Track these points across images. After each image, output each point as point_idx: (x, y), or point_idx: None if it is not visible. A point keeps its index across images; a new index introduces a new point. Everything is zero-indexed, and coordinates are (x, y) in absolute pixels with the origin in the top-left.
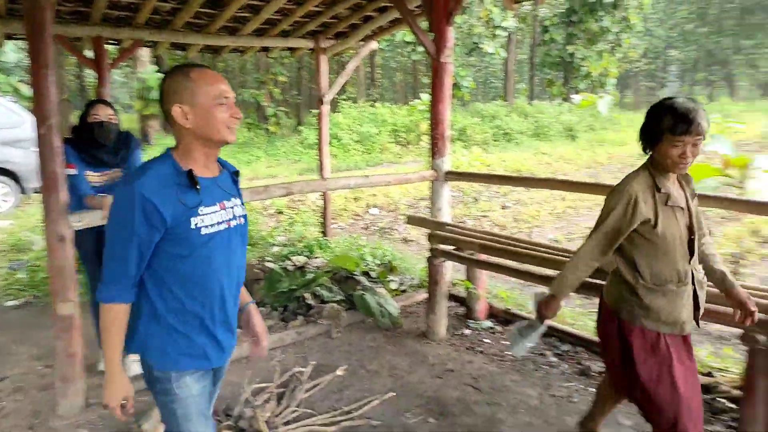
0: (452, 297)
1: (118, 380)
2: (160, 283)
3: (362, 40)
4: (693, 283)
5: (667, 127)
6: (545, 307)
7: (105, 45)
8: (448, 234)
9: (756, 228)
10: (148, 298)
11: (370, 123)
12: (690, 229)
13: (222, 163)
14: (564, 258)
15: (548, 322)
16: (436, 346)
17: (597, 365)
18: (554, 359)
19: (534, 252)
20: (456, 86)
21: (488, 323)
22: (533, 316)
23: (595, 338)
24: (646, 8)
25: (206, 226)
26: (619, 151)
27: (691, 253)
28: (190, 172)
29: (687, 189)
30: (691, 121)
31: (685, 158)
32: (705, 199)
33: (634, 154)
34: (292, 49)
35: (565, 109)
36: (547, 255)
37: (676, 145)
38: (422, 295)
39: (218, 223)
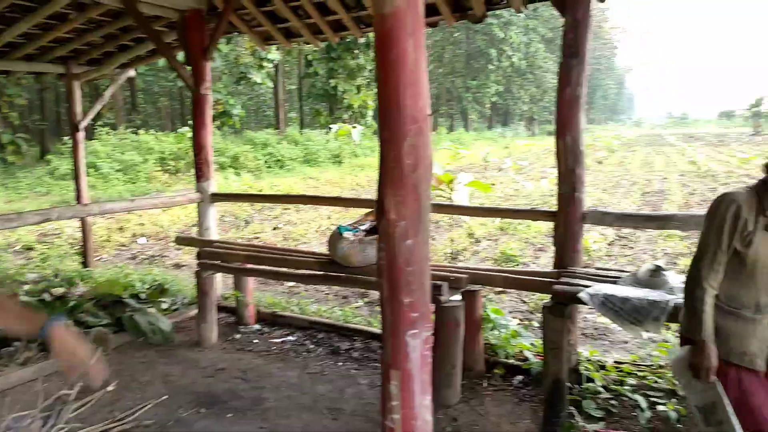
0: (224, 309)
1: None
2: None
3: (119, 67)
4: None
5: None
6: (704, 359)
7: None
8: (215, 249)
9: (471, 231)
10: None
11: (133, 151)
12: None
13: None
14: (314, 259)
15: (717, 383)
16: (209, 352)
17: (344, 345)
18: (312, 346)
19: (291, 257)
20: (226, 114)
21: (257, 326)
22: (683, 380)
23: (342, 323)
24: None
25: None
26: (377, 174)
27: None
28: None
29: None
30: None
31: None
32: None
33: None
34: (38, 73)
35: (331, 137)
36: (301, 258)
37: None
38: (195, 311)
39: None
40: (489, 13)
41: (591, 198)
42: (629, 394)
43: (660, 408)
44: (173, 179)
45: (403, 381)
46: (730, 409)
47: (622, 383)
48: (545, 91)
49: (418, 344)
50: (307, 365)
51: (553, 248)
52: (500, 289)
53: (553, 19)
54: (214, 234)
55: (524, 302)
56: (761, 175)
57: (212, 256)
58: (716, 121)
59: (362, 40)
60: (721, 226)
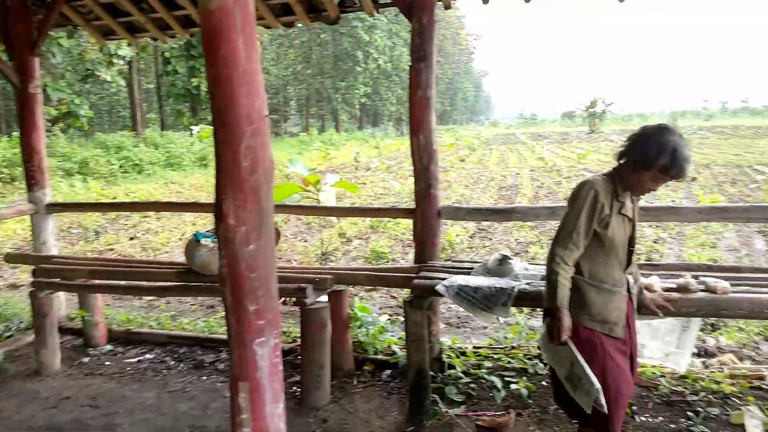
0: (69, 330)
1: None
2: None
3: None
4: (627, 291)
5: (662, 164)
6: (562, 322)
7: None
8: (54, 266)
9: (342, 231)
10: None
11: None
12: (631, 241)
13: None
14: (171, 269)
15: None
16: (51, 380)
17: (209, 357)
18: (173, 362)
19: (145, 269)
20: (72, 115)
21: (108, 347)
22: (547, 353)
23: (206, 334)
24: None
25: None
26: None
27: (628, 263)
28: None
29: (636, 204)
30: (683, 171)
31: (649, 190)
32: (301, 209)
33: None
34: None
35: (195, 140)
36: (156, 269)
37: (657, 181)
38: (33, 336)
39: None
40: (352, 15)
41: (455, 194)
42: (486, 377)
43: (513, 387)
44: (8, 188)
45: (252, 392)
46: (584, 363)
47: (480, 367)
48: None
49: (266, 352)
50: (167, 383)
51: None
52: (370, 287)
53: None
54: (53, 248)
55: (394, 297)
56: (597, 169)
57: (50, 274)
58: (560, 121)
59: None
60: (580, 209)
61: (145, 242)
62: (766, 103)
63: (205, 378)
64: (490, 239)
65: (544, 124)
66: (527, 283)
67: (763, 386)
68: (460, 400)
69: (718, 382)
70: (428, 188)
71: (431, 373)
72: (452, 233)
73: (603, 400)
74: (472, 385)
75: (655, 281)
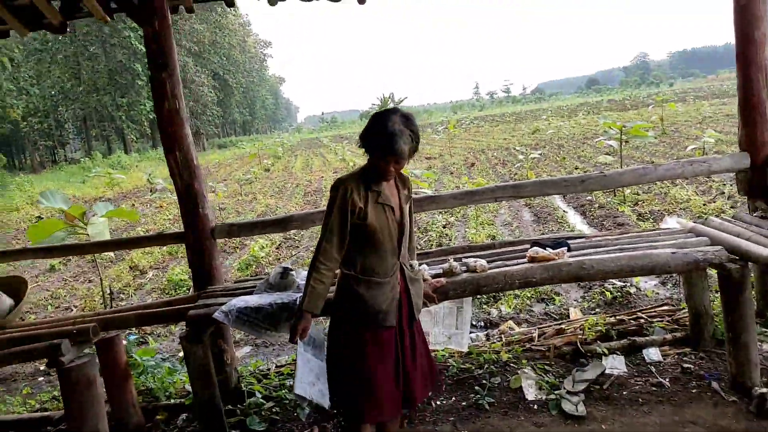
0: None
1: None
2: None
3: None
4: (404, 278)
5: (379, 148)
6: (299, 325)
7: None
8: None
9: (134, 263)
10: None
11: None
12: (401, 227)
13: None
14: None
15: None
16: None
17: None
18: None
19: None
20: None
21: None
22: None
23: None
24: (8, 68)
25: None
26: (12, 217)
27: (400, 249)
28: None
29: (402, 192)
30: (396, 151)
31: (389, 173)
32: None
33: (26, 219)
34: None
35: None
36: None
37: (383, 163)
38: None
39: None
40: (121, 25)
41: (260, 205)
42: (289, 396)
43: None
44: None
45: None
46: (300, 364)
47: (283, 387)
48: (205, 105)
49: None
50: None
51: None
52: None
53: (195, 32)
54: None
55: None
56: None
57: None
58: (359, 122)
59: None
60: (332, 208)
61: None
62: (521, 92)
63: None
64: (297, 247)
65: (345, 125)
66: None
67: (533, 347)
68: (262, 428)
69: (497, 352)
70: (195, 208)
71: (229, 406)
72: (256, 247)
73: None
74: (275, 409)
75: (424, 270)
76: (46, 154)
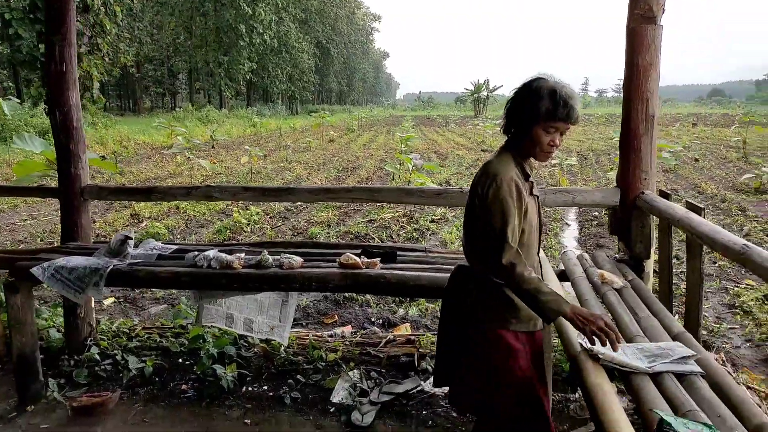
0: None
1: None
2: None
3: None
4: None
5: (545, 111)
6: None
7: None
8: None
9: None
10: None
11: None
12: (540, 219)
13: None
14: None
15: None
16: None
17: None
18: None
19: None
20: None
21: None
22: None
23: None
24: (120, 15)
25: None
26: None
27: (540, 243)
28: None
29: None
30: (571, 108)
31: (554, 146)
32: None
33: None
34: None
35: (39, 112)
36: None
37: (549, 132)
38: None
39: None
40: None
41: (291, 175)
42: (125, 357)
43: (143, 365)
44: None
45: None
46: None
47: (125, 347)
48: (303, 71)
49: None
50: None
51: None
52: None
53: (303, 0)
54: None
55: None
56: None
57: None
58: (454, 106)
59: None
60: (509, 207)
61: None
62: None
63: None
64: (290, 219)
65: (438, 107)
66: (131, 264)
67: (372, 352)
68: (85, 382)
69: (335, 351)
70: (68, 167)
71: (66, 356)
72: (242, 214)
73: None
74: (106, 367)
75: (237, 258)
76: (157, 100)
